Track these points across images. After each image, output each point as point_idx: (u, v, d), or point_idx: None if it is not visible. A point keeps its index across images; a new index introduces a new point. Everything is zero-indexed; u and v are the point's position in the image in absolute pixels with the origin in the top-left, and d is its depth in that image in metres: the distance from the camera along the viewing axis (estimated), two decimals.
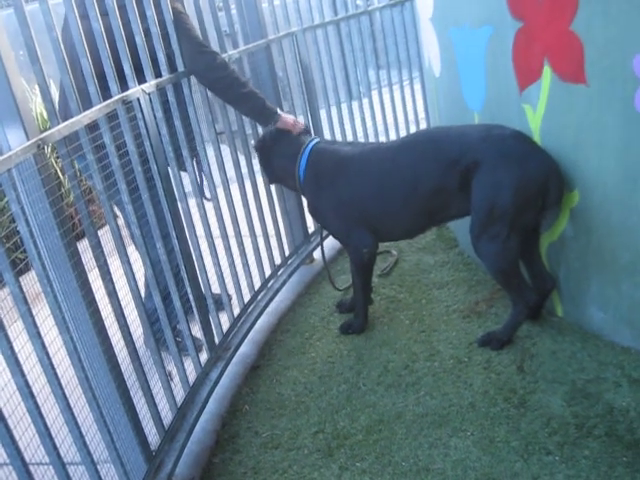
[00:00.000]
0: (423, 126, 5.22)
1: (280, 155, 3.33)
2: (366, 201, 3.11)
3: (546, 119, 2.79)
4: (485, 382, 2.78)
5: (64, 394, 1.99)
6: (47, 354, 1.92)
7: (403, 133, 4.96)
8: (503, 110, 3.07)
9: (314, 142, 3.29)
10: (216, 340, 3.10)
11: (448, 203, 2.96)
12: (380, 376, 2.96)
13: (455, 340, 3.10)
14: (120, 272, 2.47)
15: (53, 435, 1.94)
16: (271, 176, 3.48)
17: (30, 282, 2.16)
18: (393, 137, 4.89)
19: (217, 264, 3.21)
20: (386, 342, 3.19)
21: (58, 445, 1.96)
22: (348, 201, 3.14)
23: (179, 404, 2.71)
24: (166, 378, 2.64)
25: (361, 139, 4.69)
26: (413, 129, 5.01)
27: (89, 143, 2.31)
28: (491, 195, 2.79)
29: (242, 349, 3.26)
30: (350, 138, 4.58)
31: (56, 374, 1.95)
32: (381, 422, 2.69)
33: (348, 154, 3.18)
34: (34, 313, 1.90)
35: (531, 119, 2.87)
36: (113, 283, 2.35)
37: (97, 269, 2.30)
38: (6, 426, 1.74)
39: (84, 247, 2.24)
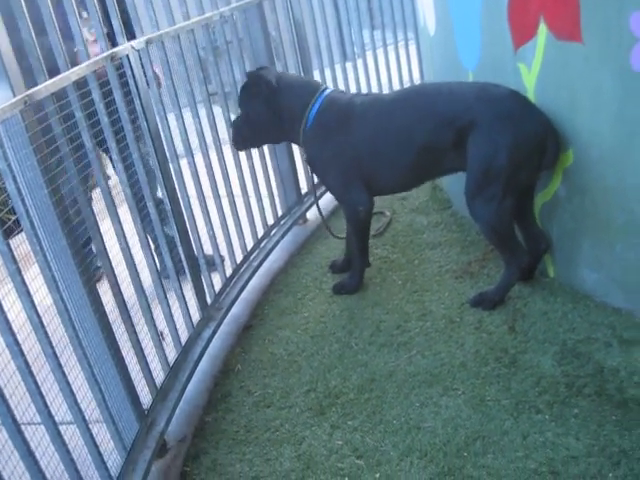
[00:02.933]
0: None
1: (290, 97, 3.14)
2: (364, 152, 3.05)
3: (541, 78, 2.76)
4: (476, 342, 2.79)
5: (54, 353, 1.98)
6: (36, 313, 1.90)
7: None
8: (498, 69, 3.03)
9: (328, 89, 3.20)
10: (208, 300, 3.10)
11: (442, 159, 2.96)
12: (372, 336, 2.97)
13: (447, 300, 3.11)
14: (111, 231, 2.46)
15: (43, 394, 1.94)
16: (259, 124, 3.21)
17: (19, 242, 2.14)
18: None
19: (209, 224, 3.20)
20: (378, 302, 3.20)
21: (49, 404, 1.96)
22: (349, 151, 3.07)
23: (171, 363, 2.72)
24: (158, 337, 2.64)
25: None
26: None
27: (77, 100, 2.28)
28: (487, 155, 2.77)
29: (234, 309, 3.27)
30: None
31: (46, 332, 1.94)
32: (373, 381, 2.70)
33: (353, 104, 3.11)
34: (23, 272, 1.89)
35: (526, 78, 2.84)
36: (103, 242, 2.33)
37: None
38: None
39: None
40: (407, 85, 5.11)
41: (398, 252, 3.61)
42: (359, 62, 4.77)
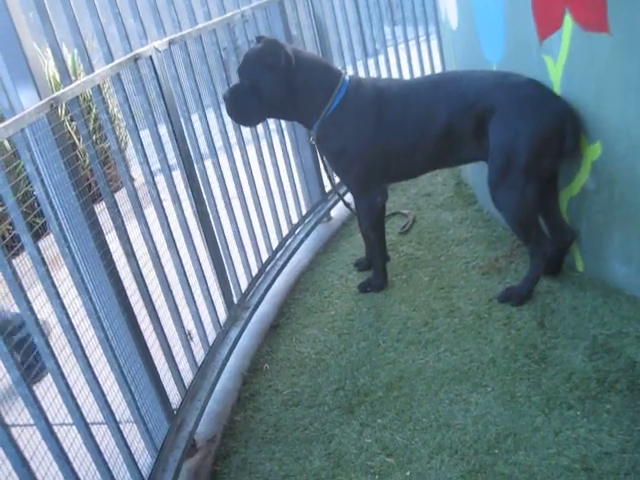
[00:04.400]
0: None
1: (312, 78, 2.96)
2: (389, 138, 2.98)
3: (567, 70, 2.72)
4: (505, 338, 2.77)
5: (84, 354, 2.00)
6: (67, 314, 1.92)
7: None
8: (523, 61, 2.99)
9: (348, 74, 3.07)
10: (235, 300, 3.11)
11: (461, 145, 2.94)
12: (400, 333, 2.96)
13: (475, 296, 3.08)
14: (137, 233, 2.47)
15: (75, 395, 1.95)
16: (268, 98, 2.97)
17: (48, 245, 2.16)
18: None
19: (234, 224, 3.20)
20: (405, 299, 3.18)
21: (80, 405, 1.97)
22: (374, 138, 2.98)
23: (199, 363, 2.73)
24: (186, 338, 2.65)
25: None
26: None
27: (102, 102, 2.30)
28: (507, 143, 2.76)
29: (261, 308, 3.28)
30: None
31: (76, 334, 1.95)
32: (401, 379, 2.69)
33: (378, 89, 3.02)
34: (52, 275, 1.90)
35: (552, 70, 2.81)
36: (131, 243, 2.34)
37: (114, 230, 2.29)
38: (28, 386, 1.75)
39: (101, 209, 2.24)
40: None
41: (424, 249, 3.58)
42: (381, 58, 4.75)
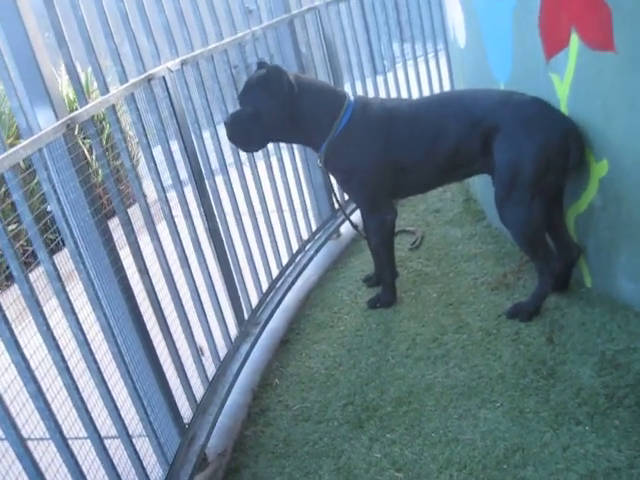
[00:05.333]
0: None
1: (316, 103, 2.99)
2: (398, 157, 3.01)
3: (574, 88, 2.75)
4: (514, 354, 2.78)
5: (99, 368, 2.03)
6: (81, 329, 1.96)
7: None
8: (530, 79, 3.03)
9: (352, 96, 3.10)
10: (245, 315, 3.14)
11: (468, 162, 3.00)
12: (409, 349, 2.98)
13: (483, 312, 3.10)
14: (150, 249, 2.51)
15: (89, 409, 1.98)
16: (271, 125, 2.99)
17: (62, 261, 2.20)
18: None
19: (245, 240, 3.24)
20: (414, 315, 3.20)
21: (94, 419, 2.00)
22: (383, 158, 3.01)
23: (210, 378, 2.76)
24: (197, 353, 2.68)
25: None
26: None
27: (116, 122, 2.35)
28: (513, 160, 2.80)
29: (271, 324, 3.30)
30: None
31: (90, 349, 1.99)
32: (410, 394, 2.70)
33: (385, 109, 3.06)
34: (67, 290, 1.94)
35: (559, 88, 2.84)
36: (144, 260, 2.38)
37: (128, 246, 2.34)
38: (45, 400, 1.79)
39: (114, 225, 2.28)
40: None
41: (433, 265, 3.61)
42: (389, 75, 4.79)
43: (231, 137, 3.02)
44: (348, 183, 3.17)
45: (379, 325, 3.21)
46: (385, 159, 3.01)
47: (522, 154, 2.77)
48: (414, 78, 4.97)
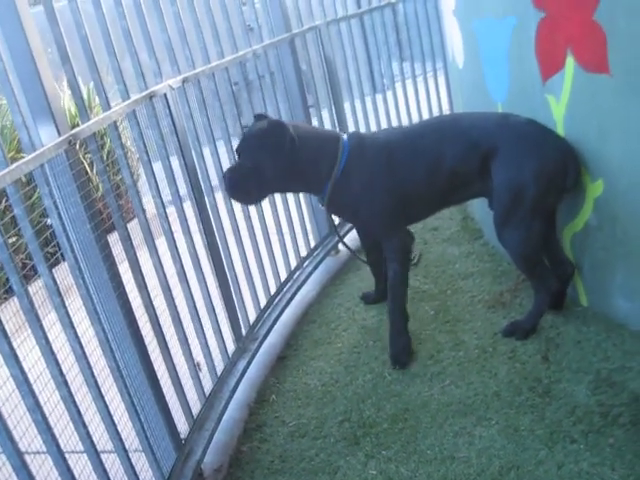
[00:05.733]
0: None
1: (314, 151, 2.93)
2: (403, 186, 2.97)
3: (570, 109, 2.79)
4: (510, 371, 2.80)
5: (96, 382, 2.05)
6: (80, 344, 1.97)
7: None
8: (526, 101, 3.07)
9: (345, 134, 3.08)
10: (243, 331, 3.15)
11: (468, 184, 2.99)
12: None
13: (480, 330, 3.12)
14: (149, 265, 2.53)
15: (86, 423, 1.99)
16: (272, 178, 2.92)
17: (62, 275, 2.22)
18: None
19: (243, 256, 3.26)
20: (411, 332, 3.19)
21: (91, 433, 2.01)
22: (390, 189, 2.96)
23: (207, 394, 2.77)
24: (194, 368, 2.70)
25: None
26: None
27: (117, 139, 2.38)
28: (513, 182, 2.82)
29: (269, 340, 3.32)
30: (374, 131, 4.60)
31: (88, 363, 2.01)
32: (406, 411, 2.71)
33: (380, 142, 3.04)
34: (66, 304, 1.96)
35: (555, 109, 2.88)
36: (142, 275, 2.40)
37: (127, 261, 2.36)
38: (42, 414, 1.80)
39: (114, 240, 2.30)
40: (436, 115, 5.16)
41: (430, 282, 3.63)
42: (389, 94, 4.84)
43: (230, 191, 2.97)
44: (358, 217, 3.11)
45: (376, 342, 3.22)
46: (388, 187, 2.96)
47: (522, 176, 2.80)
48: (413, 97, 5.01)
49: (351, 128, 4.39)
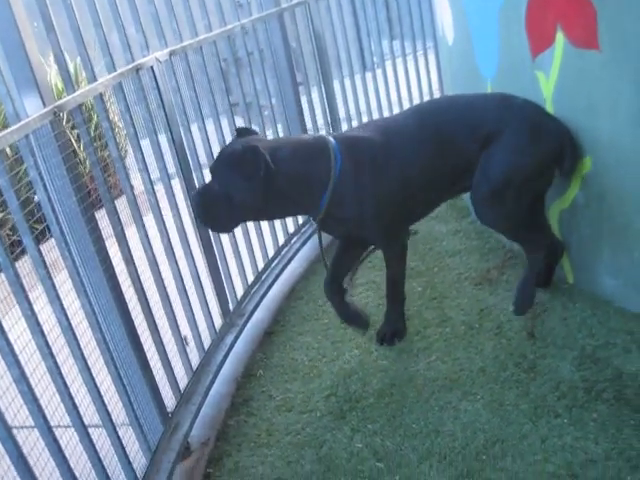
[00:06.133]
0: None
1: (301, 170, 2.64)
2: (404, 183, 2.76)
3: (559, 86, 2.79)
4: (496, 347, 2.82)
5: (82, 355, 2.05)
6: (66, 315, 1.97)
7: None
8: (516, 77, 3.06)
9: (331, 138, 2.76)
10: (230, 306, 3.16)
11: (471, 172, 2.84)
12: None
13: (466, 307, 3.13)
14: (136, 239, 2.52)
15: (73, 395, 1.99)
16: (246, 208, 2.62)
17: (48, 250, 2.20)
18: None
19: (231, 232, 3.25)
20: None
21: (78, 405, 2.01)
22: (397, 186, 2.74)
23: (194, 368, 2.77)
24: (182, 342, 2.70)
25: (375, 111, 4.69)
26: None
27: (103, 111, 2.36)
28: (510, 165, 2.75)
29: (256, 315, 3.33)
30: (364, 110, 4.59)
31: (75, 334, 2.01)
32: (392, 386, 2.73)
33: (371, 141, 2.77)
34: (52, 277, 1.95)
35: (544, 86, 2.87)
36: (129, 249, 2.40)
37: (114, 236, 2.35)
38: (28, 384, 1.80)
39: (101, 216, 2.29)
40: (425, 94, 5.13)
41: (417, 260, 3.64)
42: (379, 72, 4.82)
43: (200, 218, 2.70)
44: (360, 226, 2.81)
45: None
46: (392, 188, 2.74)
47: (521, 160, 2.74)
48: (403, 75, 4.99)
49: (340, 107, 4.37)
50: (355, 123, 4.50)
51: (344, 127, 4.45)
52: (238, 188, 2.54)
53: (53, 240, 2.06)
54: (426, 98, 5.05)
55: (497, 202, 2.82)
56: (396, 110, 4.77)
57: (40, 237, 2.46)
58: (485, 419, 2.45)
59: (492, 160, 2.79)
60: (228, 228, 2.83)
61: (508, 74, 3.16)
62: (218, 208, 2.61)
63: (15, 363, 1.75)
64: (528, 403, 2.48)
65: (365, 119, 4.53)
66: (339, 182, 2.67)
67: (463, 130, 2.81)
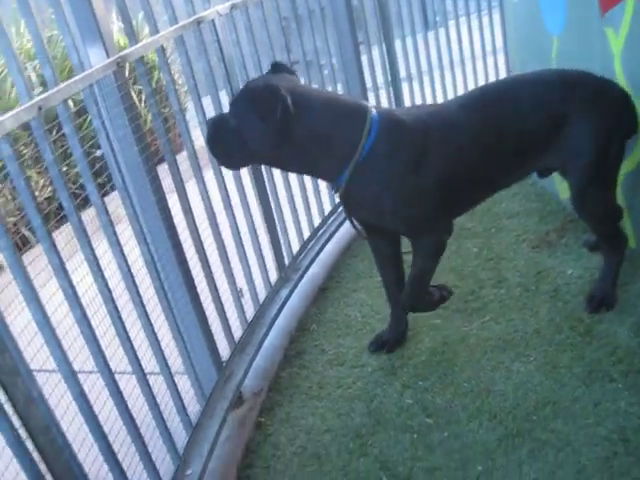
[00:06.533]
0: (501, 58, 5.02)
1: (327, 125, 2.36)
2: (450, 174, 2.48)
3: (628, 43, 2.69)
4: (551, 310, 2.78)
5: (141, 301, 2.10)
6: (126, 262, 2.03)
7: (480, 65, 4.85)
8: (584, 34, 2.97)
9: (375, 109, 2.47)
10: (286, 261, 3.20)
11: (534, 158, 2.64)
12: None
13: (523, 269, 3.10)
14: (195, 191, 2.57)
15: (131, 339, 2.05)
16: (258, 151, 2.38)
17: (108, 201, 2.25)
18: (469, 70, 4.78)
19: (288, 188, 3.27)
20: (453, 268, 3.21)
21: (136, 349, 2.08)
22: (438, 173, 2.46)
23: (249, 320, 2.83)
24: (237, 294, 2.75)
25: (436, 71, 4.61)
26: (490, 61, 4.89)
27: (165, 64, 2.39)
28: (593, 143, 2.56)
29: (311, 270, 3.37)
30: (425, 69, 4.52)
31: (134, 280, 2.06)
32: (445, 344, 2.74)
33: (421, 121, 2.48)
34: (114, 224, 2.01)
35: (613, 43, 2.78)
36: (188, 200, 2.44)
37: (173, 186, 2.40)
38: (89, 325, 1.86)
39: (162, 171, 2.33)
40: (489, 54, 4.99)
41: (475, 221, 3.60)
42: (441, 31, 4.72)
43: (209, 144, 2.46)
44: (387, 214, 2.51)
45: None
46: (433, 175, 2.46)
47: (602, 134, 2.55)
48: (466, 35, 4.88)
49: (401, 66, 4.32)
50: (416, 83, 4.44)
51: (405, 87, 4.39)
52: (251, 127, 2.32)
53: (113, 195, 2.11)
54: (490, 59, 4.92)
55: (595, 188, 2.63)
56: (458, 71, 4.71)
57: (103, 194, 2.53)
58: (537, 381, 2.44)
59: (576, 145, 2.57)
60: (236, 166, 2.61)
61: (575, 30, 3.06)
62: (229, 143, 2.40)
63: (78, 305, 1.82)
64: (582, 367, 2.45)
65: (426, 79, 4.49)
66: (366, 159, 2.39)
67: (528, 114, 2.56)
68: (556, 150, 2.59)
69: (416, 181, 2.44)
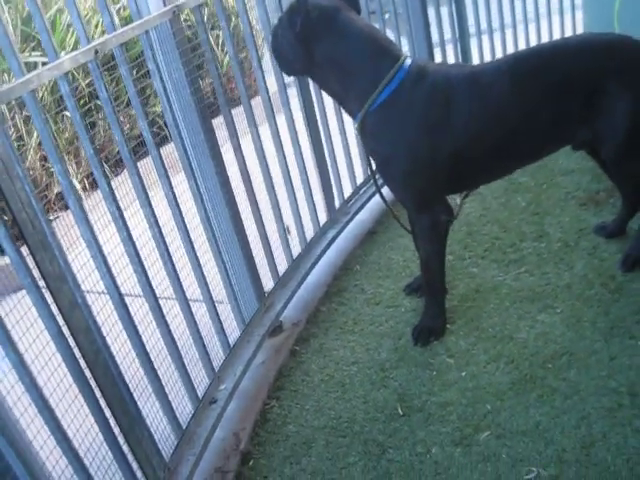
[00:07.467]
0: (579, 15, 4.82)
1: (348, 56, 2.39)
2: (467, 141, 2.42)
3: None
4: (586, 266, 2.85)
5: (186, 228, 2.29)
6: (172, 191, 2.22)
7: (556, 22, 4.72)
8: None
9: (410, 58, 2.45)
10: (337, 204, 3.35)
11: (567, 131, 2.56)
12: (486, 250, 3.11)
13: (566, 225, 3.15)
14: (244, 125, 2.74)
15: (174, 262, 2.26)
16: (292, 64, 2.52)
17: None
18: (544, 27, 4.64)
19: (343, 134, 3.39)
20: (498, 220, 3.29)
21: (180, 276, 2.28)
22: (446, 141, 2.41)
23: (294, 256, 3.02)
24: (284, 231, 2.94)
25: (508, 25, 4.52)
26: (567, 19, 4.74)
27: (223, 13, 2.55)
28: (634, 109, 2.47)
29: (360, 216, 3.51)
30: (496, 26, 4.43)
31: (180, 211, 2.26)
32: (477, 292, 2.86)
33: (450, 78, 2.44)
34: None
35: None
36: (238, 137, 2.62)
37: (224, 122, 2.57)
38: (138, 256, 2.08)
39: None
40: (567, 10, 4.84)
41: (528, 175, 3.63)
42: None
43: (273, 51, 2.59)
44: (387, 171, 2.54)
45: (462, 226, 3.30)
46: (445, 144, 2.41)
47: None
48: None
49: (471, 21, 4.24)
50: (486, 39, 4.40)
51: (473, 43, 4.34)
52: (283, 35, 2.44)
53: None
54: (567, 15, 4.76)
55: (634, 154, 2.58)
56: (532, 27, 4.60)
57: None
58: (559, 332, 2.54)
59: (616, 112, 2.46)
60: (288, 71, 2.65)
61: None
62: (280, 48, 2.51)
63: (128, 238, 2.03)
64: (605, 322, 2.53)
65: (497, 35, 4.43)
66: (381, 106, 2.39)
67: (564, 82, 2.45)
68: (590, 120, 2.49)
69: (430, 143, 2.40)
